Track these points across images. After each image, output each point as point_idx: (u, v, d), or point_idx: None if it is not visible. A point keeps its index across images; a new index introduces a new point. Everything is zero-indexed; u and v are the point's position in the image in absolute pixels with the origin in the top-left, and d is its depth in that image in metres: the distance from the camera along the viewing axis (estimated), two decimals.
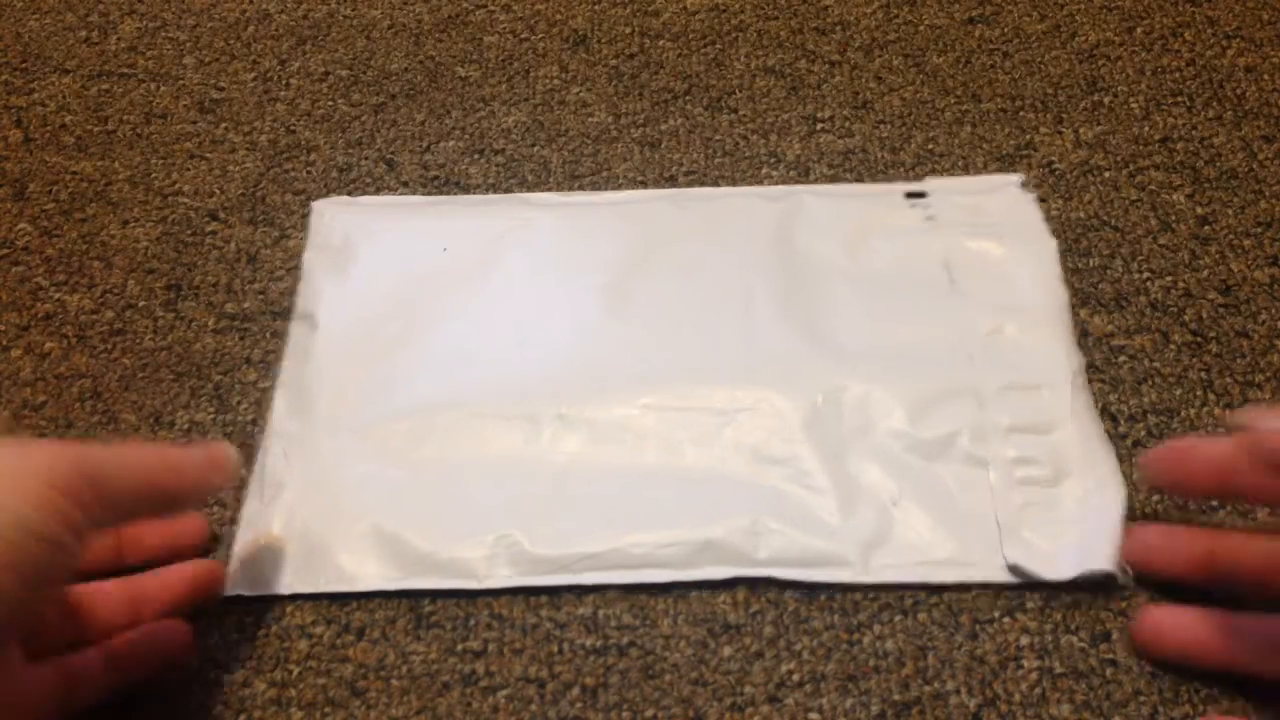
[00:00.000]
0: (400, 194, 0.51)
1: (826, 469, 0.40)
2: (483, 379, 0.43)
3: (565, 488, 0.40)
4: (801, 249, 0.47)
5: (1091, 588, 0.38)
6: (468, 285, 0.46)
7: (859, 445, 0.41)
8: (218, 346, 0.46)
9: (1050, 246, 0.47)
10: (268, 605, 0.39)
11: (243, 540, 0.40)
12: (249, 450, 0.42)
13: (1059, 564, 0.38)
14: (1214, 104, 0.54)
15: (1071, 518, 0.39)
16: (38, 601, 0.30)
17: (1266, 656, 0.35)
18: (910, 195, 0.48)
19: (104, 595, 0.36)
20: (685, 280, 0.46)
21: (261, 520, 0.40)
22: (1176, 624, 0.36)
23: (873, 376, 0.42)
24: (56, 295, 0.48)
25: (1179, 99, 0.54)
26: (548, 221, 0.48)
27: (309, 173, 0.52)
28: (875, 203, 0.48)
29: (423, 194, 0.51)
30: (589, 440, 0.41)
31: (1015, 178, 0.49)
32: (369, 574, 0.39)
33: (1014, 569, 0.38)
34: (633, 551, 0.38)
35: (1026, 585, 0.38)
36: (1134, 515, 0.39)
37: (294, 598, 0.39)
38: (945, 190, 0.49)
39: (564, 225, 0.48)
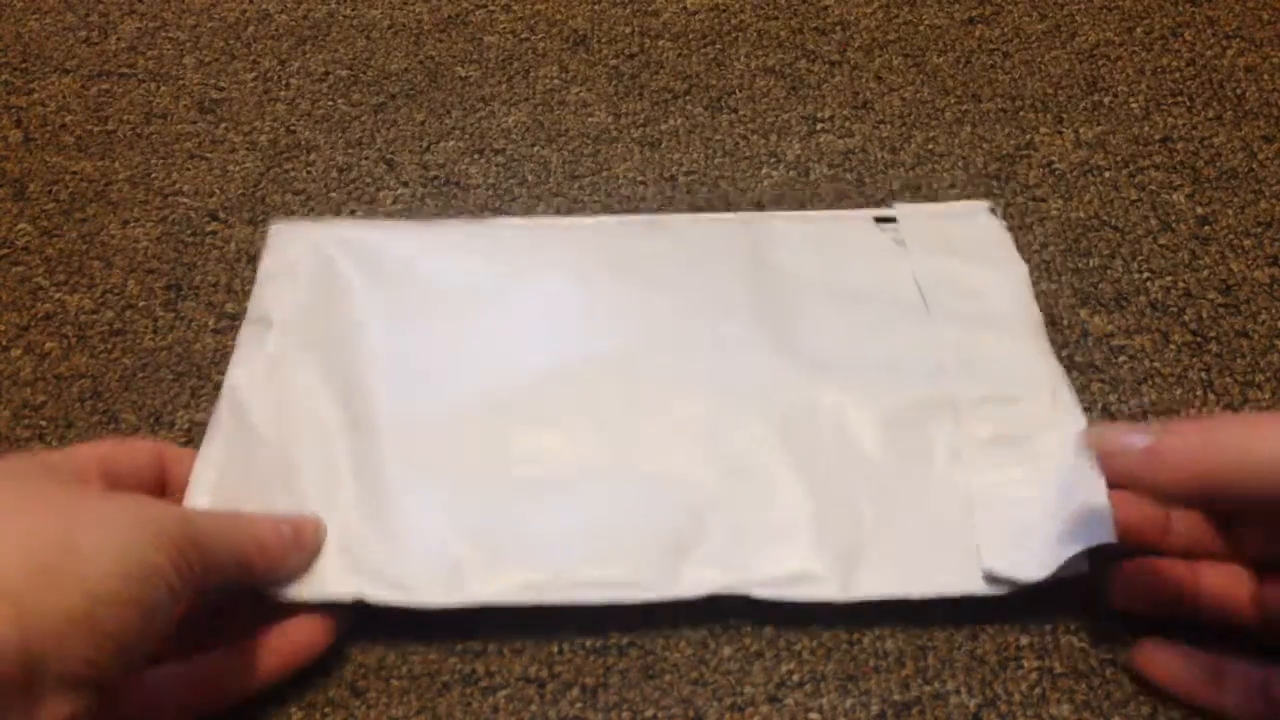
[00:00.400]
0: (400, 194, 0.51)
1: (801, 484, 0.39)
2: (447, 391, 0.42)
3: (536, 506, 0.39)
4: (774, 267, 0.46)
5: (1069, 588, 0.37)
6: (432, 299, 0.45)
7: (833, 459, 0.40)
8: (218, 346, 0.46)
9: (1021, 270, 0.46)
10: None
11: None
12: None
13: (1034, 567, 0.37)
14: (1214, 104, 0.54)
15: (1047, 523, 0.37)
16: (152, 642, 0.31)
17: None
18: (879, 220, 0.48)
19: None
20: (659, 296, 0.45)
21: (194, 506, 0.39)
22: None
23: (846, 390, 0.42)
24: (56, 295, 0.48)
25: (1179, 99, 0.54)
26: (513, 242, 0.48)
27: (309, 173, 0.52)
28: (845, 227, 0.48)
29: (423, 193, 0.51)
30: (560, 456, 0.40)
31: (983, 204, 0.49)
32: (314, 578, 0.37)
33: (991, 577, 0.37)
34: (607, 572, 0.37)
35: (1005, 594, 0.37)
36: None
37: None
38: (913, 215, 0.48)
39: (530, 245, 0.48)
